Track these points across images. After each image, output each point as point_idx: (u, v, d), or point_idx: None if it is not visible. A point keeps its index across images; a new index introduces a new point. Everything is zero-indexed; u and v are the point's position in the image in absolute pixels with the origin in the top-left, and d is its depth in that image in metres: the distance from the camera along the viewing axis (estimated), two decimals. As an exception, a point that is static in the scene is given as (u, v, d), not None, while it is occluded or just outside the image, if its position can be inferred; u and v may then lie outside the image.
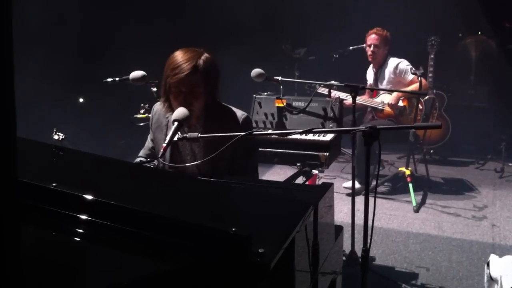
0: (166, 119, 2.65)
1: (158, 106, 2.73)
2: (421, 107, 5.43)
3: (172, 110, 2.54)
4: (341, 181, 5.71)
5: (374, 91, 5.56)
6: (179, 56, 2.44)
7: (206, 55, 2.48)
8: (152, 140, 2.77)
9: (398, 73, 5.36)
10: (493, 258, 2.91)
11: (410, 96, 5.31)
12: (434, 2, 6.65)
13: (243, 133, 2.23)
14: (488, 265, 2.91)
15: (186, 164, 2.51)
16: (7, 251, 0.89)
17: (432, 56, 5.95)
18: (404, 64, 5.35)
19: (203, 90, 2.46)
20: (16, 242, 0.92)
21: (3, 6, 0.80)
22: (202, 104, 2.48)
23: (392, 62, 5.40)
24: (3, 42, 0.81)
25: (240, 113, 2.63)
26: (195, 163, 2.42)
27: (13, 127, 0.85)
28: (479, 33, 7.55)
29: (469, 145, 6.75)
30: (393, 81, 5.40)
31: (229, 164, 2.53)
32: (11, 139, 0.85)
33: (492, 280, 2.82)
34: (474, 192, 5.52)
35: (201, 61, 2.43)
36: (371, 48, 5.44)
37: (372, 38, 5.44)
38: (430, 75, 5.97)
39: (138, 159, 2.78)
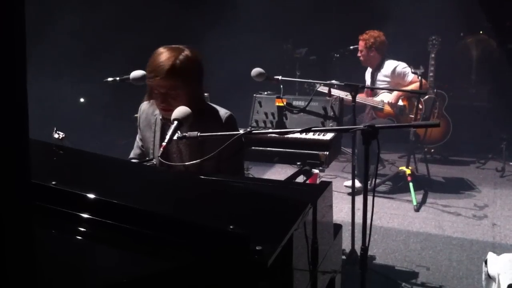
0: (155, 117, 2.65)
1: (145, 105, 2.73)
2: (421, 107, 5.44)
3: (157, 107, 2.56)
4: (342, 181, 5.71)
5: (371, 91, 5.58)
6: (157, 56, 2.41)
7: (186, 53, 2.43)
8: (141, 139, 2.77)
9: (396, 76, 5.39)
10: (490, 256, 2.91)
11: (410, 96, 5.33)
12: (435, 1, 6.65)
13: (242, 132, 2.24)
14: (486, 263, 2.92)
15: (186, 163, 2.51)
16: (23, 253, 0.90)
17: (433, 55, 5.95)
18: (401, 67, 5.37)
19: (183, 91, 2.43)
20: (30, 243, 0.93)
21: (17, 7, 0.81)
22: (184, 104, 2.41)
23: (389, 65, 5.42)
24: (17, 45, 0.82)
25: (223, 112, 2.59)
26: (194, 162, 2.41)
27: (25, 128, 0.86)
28: (481, 32, 7.54)
29: (470, 144, 6.75)
30: (391, 84, 5.41)
31: (215, 163, 2.51)
32: (24, 141, 0.86)
33: (490, 278, 2.82)
34: (475, 191, 5.53)
35: (178, 62, 2.38)
36: (359, 53, 5.57)
37: (359, 43, 5.53)
38: (431, 74, 5.97)
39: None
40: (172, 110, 2.33)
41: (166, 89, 2.41)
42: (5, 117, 0.81)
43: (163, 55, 2.40)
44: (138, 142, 2.80)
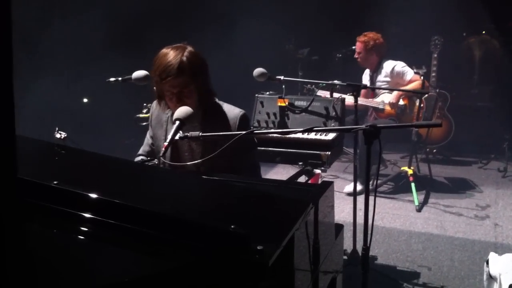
0: (166, 115, 2.68)
1: (156, 103, 2.75)
2: (422, 105, 5.43)
3: (169, 107, 2.57)
4: (343, 181, 5.72)
5: (371, 92, 5.57)
6: (163, 58, 2.44)
7: (189, 49, 2.47)
8: (151, 137, 2.79)
9: (395, 75, 5.37)
10: (492, 256, 2.92)
11: (411, 95, 5.32)
12: (438, 1, 6.64)
13: (244, 132, 2.24)
14: (487, 263, 2.92)
15: (188, 163, 2.52)
16: (8, 250, 0.90)
17: (435, 55, 5.94)
18: (400, 66, 5.36)
19: (194, 87, 2.47)
20: (17, 241, 0.93)
21: (3, 7, 0.81)
22: (196, 99, 2.49)
23: (388, 65, 5.40)
24: (3, 41, 0.82)
25: (237, 111, 2.63)
26: (195, 161, 2.43)
27: (12, 126, 0.86)
28: (483, 32, 7.53)
29: (472, 145, 6.73)
30: (390, 83, 5.40)
31: (228, 162, 2.53)
32: (11, 138, 0.86)
33: (491, 278, 2.83)
34: (477, 191, 5.52)
35: (185, 58, 2.42)
36: (356, 54, 5.53)
37: (356, 44, 5.50)
38: (433, 74, 5.96)
39: (138, 158, 2.80)
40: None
41: (180, 87, 2.44)
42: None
43: (169, 55, 2.44)
44: (148, 139, 2.82)
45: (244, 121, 2.62)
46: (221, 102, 2.66)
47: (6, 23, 0.82)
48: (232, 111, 2.62)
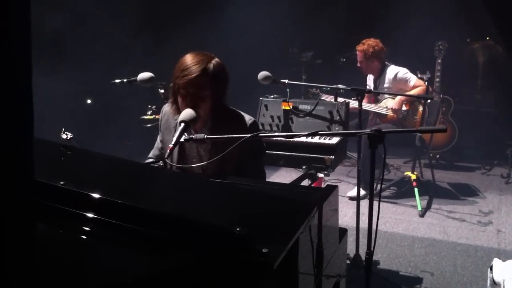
0: (175, 121, 2.65)
1: (167, 108, 2.74)
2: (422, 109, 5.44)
3: (180, 111, 2.55)
4: (346, 185, 5.71)
5: (373, 98, 5.56)
6: (189, 58, 2.45)
7: (216, 59, 2.49)
8: (161, 141, 2.78)
9: (398, 81, 5.37)
10: (496, 262, 2.91)
11: (413, 100, 5.32)
12: (442, 6, 6.65)
13: (248, 135, 2.24)
14: (491, 269, 2.92)
15: (193, 165, 2.53)
16: (10, 250, 0.90)
17: (439, 60, 5.94)
18: (402, 73, 5.36)
19: (210, 94, 2.46)
20: (30, 241, 0.93)
21: (23, 10, 0.82)
22: (209, 107, 2.48)
23: (391, 71, 5.40)
24: (22, 46, 0.83)
25: (247, 118, 2.63)
26: (201, 164, 2.44)
27: (30, 128, 0.86)
28: (487, 38, 7.53)
29: (475, 150, 6.73)
30: (392, 89, 5.39)
31: (236, 167, 2.53)
32: (28, 140, 0.87)
33: (495, 284, 2.82)
34: (480, 197, 5.51)
35: (211, 65, 2.43)
36: (358, 63, 5.53)
37: (357, 54, 5.50)
38: (437, 79, 5.97)
39: (148, 160, 2.79)
40: (198, 112, 2.38)
41: (197, 88, 2.42)
42: (8, 117, 0.82)
43: (196, 57, 2.46)
44: (158, 143, 2.81)
45: (254, 128, 2.62)
46: (231, 108, 2.66)
47: (24, 28, 0.83)
48: (242, 118, 2.62)
